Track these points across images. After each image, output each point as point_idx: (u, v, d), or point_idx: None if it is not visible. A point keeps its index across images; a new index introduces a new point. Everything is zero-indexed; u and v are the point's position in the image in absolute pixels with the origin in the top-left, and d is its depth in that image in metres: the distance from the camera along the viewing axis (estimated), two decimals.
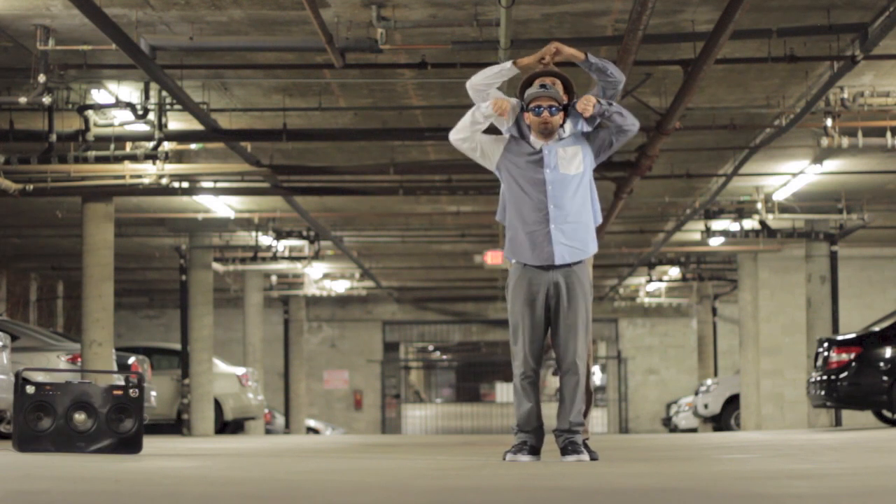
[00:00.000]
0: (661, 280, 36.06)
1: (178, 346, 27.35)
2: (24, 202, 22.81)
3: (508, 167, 8.46)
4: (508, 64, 8.52)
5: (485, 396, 62.64)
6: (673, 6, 13.74)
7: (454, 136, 8.54)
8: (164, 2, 13.41)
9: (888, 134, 17.70)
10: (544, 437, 8.52)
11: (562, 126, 8.49)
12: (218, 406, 26.72)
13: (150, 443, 12.77)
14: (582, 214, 8.43)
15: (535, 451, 8.41)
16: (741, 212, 25.08)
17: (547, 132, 8.41)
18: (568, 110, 8.53)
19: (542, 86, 8.41)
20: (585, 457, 8.29)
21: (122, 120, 16.91)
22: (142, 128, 17.47)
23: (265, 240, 28.12)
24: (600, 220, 8.86)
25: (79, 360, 19.13)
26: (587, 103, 8.31)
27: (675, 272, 35.07)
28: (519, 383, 8.41)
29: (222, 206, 24.42)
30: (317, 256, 28.34)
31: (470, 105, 8.64)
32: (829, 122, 17.31)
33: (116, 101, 16.64)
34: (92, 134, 17.20)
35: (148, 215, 25.73)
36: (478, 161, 8.61)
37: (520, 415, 8.43)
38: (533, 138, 8.47)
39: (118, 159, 18.24)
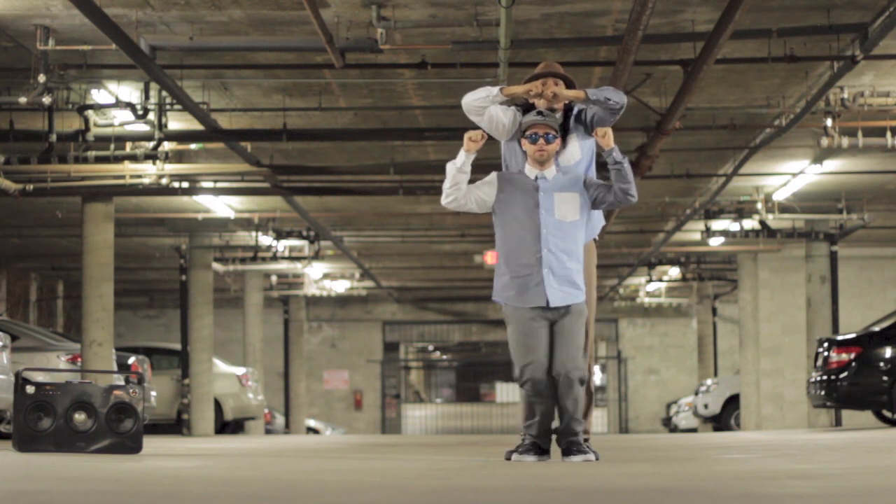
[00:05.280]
0: (661, 280, 36.06)
1: (178, 346, 27.35)
2: (24, 202, 22.81)
3: (503, 208, 8.38)
4: (496, 90, 8.56)
5: (485, 396, 62.63)
6: (673, 6, 13.74)
7: (450, 194, 8.51)
8: (164, 2, 13.41)
9: (888, 134, 17.71)
10: (551, 438, 8.50)
11: (562, 150, 8.48)
12: (218, 406, 26.72)
13: (150, 443, 12.77)
14: (576, 260, 8.35)
15: (542, 451, 8.39)
16: (741, 212, 25.07)
17: (543, 160, 8.39)
18: (566, 135, 8.52)
19: (539, 113, 8.40)
20: (591, 456, 8.29)
21: (122, 120, 16.91)
22: (142, 128, 17.47)
23: (265, 240, 28.12)
24: (597, 234, 8.81)
25: (79, 360, 19.13)
26: (606, 136, 8.36)
27: (675, 272, 35.07)
28: (527, 392, 8.38)
29: (222, 206, 24.42)
30: (317, 256, 28.34)
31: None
32: (829, 122, 17.31)
33: (116, 101, 16.64)
34: (92, 134, 17.20)
35: (148, 215, 25.73)
36: (475, 212, 8.59)
37: (531, 420, 8.40)
38: (528, 167, 8.45)
39: (118, 159, 18.24)
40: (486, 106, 8.56)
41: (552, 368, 8.33)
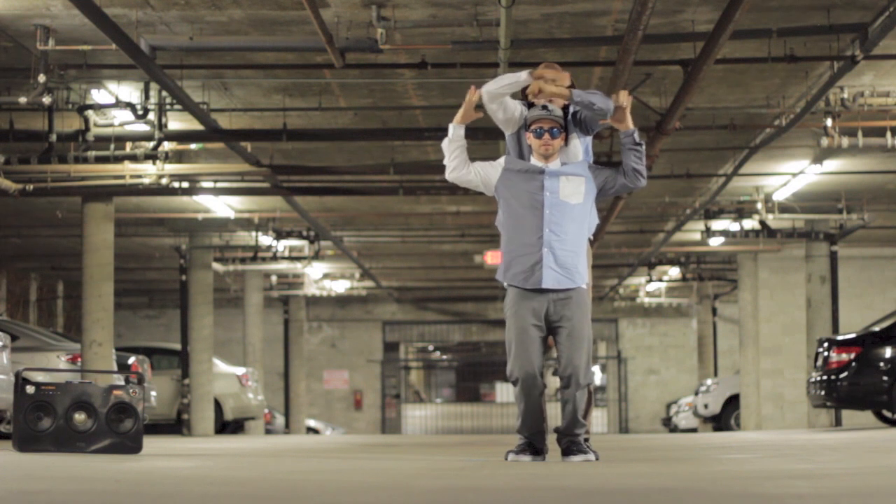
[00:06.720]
0: (661, 280, 36.06)
1: (178, 346, 27.35)
2: (24, 202, 22.81)
3: (507, 187, 8.41)
4: (524, 75, 8.48)
5: (485, 396, 62.66)
6: (673, 6, 13.74)
7: (450, 163, 8.52)
8: (164, 2, 13.41)
9: (888, 134, 17.70)
10: (546, 438, 8.51)
11: (565, 144, 8.48)
12: (218, 406, 26.72)
13: (150, 443, 12.77)
14: (577, 245, 8.37)
15: (537, 451, 8.42)
16: (741, 212, 25.07)
17: (548, 154, 8.40)
18: (569, 130, 8.52)
19: (544, 107, 8.40)
20: (591, 456, 8.30)
21: (122, 120, 16.91)
22: (142, 128, 17.47)
23: (265, 240, 28.12)
24: (591, 234, 8.79)
25: (79, 360, 19.13)
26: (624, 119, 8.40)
27: (675, 272, 35.07)
28: (517, 390, 8.41)
29: (222, 206, 24.42)
30: (317, 256, 28.34)
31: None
32: (829, 122, 17.31)
33: (116, 101, 16.64)
34: (92, 134, 17.20)
35: (148, 215, 25.73)
36: (479, 189, 8.57)
37: (520, 419, 8.43)
38: (533, 160, 8.46)
39: (118, 159, 18.24)
40: (510, 92, 8.52)
41: (559, 368, 8.36)
